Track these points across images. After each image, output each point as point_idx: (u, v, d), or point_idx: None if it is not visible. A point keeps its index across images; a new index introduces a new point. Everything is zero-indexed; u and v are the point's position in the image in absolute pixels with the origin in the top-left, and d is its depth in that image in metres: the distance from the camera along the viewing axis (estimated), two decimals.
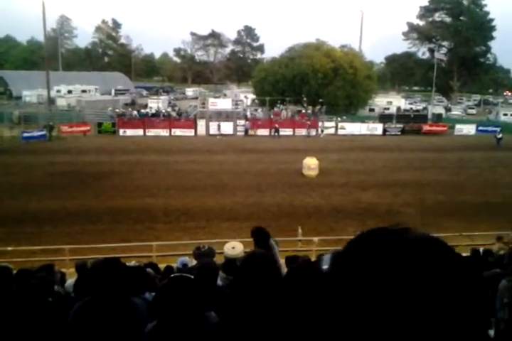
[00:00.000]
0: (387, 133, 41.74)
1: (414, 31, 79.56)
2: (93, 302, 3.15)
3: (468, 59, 73.51)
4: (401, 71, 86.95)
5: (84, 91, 62.85)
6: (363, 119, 44.49)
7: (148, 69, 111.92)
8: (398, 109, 54.37)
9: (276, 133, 38.75)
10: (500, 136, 36.14)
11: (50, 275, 4.87)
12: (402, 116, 45.70)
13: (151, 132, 38.21)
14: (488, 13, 73.45)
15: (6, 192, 19.63)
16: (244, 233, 15.14)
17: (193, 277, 3.52)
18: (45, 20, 46.02)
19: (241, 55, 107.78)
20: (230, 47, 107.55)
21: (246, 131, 39.27)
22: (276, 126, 39.26)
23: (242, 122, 39.79)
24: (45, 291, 3.71)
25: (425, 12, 77.62)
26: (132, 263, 7.98)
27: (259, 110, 46.90)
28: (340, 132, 40.93)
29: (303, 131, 40.00)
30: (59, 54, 78.85)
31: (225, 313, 2.53)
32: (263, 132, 39.68)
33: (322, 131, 40.49)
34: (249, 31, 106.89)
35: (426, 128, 42.93)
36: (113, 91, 66.64)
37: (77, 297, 3.90)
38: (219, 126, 38.64)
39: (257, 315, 2.17)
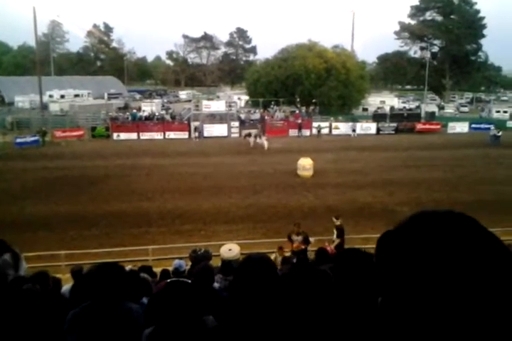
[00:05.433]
0: (380, 132, 41.81)
1: (405, 30, 79.95)
2: (89, 308, 3.11)
3: (460, 57, 73.94)
4: (393, 70, 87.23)
5: (76, 95, 62.76)
6: (356, 119, 44.56)
7: (141, 73, 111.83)
8: (391, 108, 54.52)
9: (300, 133, 39.12)
10: (500, 133, 35.67)
11: (44, 283, 4.82)
12: (395, 115, 45.74)
13: (145, 135, 38.07)
14: (478, 11, 73.96)
15: (0, 198, 19.54)
16: (240, 235, 15.18)
17: (190, 281, 3.49)
18: (36, 25, 45.93)
19: (234, 57, 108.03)
20: (222, 50, 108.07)
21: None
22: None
23: (236, 124, 39.59)
24: (39, 298, 3.66)
25: (416, 11, 78.08)
26: (128, 267, 7.94)
27: (253, 111, 46.58)
28: (335, 132, 40.97)
29: (296, 132, 39.91)
30: (51, 59, 78.81)
31: (223, 317, 2.51)
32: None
33: (354, 130, 40.59)
34: (241, 33, 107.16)
35: (419, 126, 43.04)
36: (106, 96, 66.41)
37: (74, 302, 3.86)
38: (196, 129, 37.93)
39: (256, 318, 2.15)
